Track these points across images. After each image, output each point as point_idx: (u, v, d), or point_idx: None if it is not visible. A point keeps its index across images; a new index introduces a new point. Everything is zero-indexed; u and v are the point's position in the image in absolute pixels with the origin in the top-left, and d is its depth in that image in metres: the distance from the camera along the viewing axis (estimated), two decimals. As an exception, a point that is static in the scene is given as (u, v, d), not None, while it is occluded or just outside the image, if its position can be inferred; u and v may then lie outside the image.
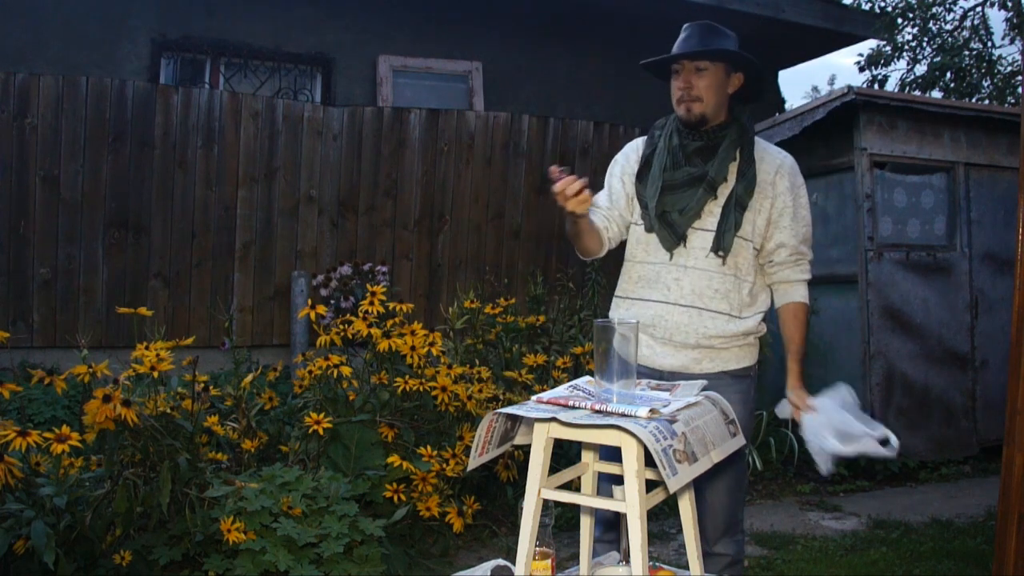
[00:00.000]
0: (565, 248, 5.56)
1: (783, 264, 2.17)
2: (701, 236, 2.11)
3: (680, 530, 1.51)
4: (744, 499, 2.32)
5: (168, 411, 2.70)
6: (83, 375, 2.60)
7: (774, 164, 2.14)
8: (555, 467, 1.50)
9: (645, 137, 2.25)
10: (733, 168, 2.11)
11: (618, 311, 2.24)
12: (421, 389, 3.19)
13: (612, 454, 1.44)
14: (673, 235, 2.11)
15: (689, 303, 2.10)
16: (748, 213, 2.10)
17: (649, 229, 2.16)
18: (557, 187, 1.87)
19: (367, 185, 5.27)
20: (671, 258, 2.12)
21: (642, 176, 2.18)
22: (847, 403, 2.01)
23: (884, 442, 1.93)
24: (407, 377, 3.17)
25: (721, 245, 2.08)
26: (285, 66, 6.06)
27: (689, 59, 2.08)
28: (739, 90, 2.14)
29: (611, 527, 2.07)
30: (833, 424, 1.96)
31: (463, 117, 5.52)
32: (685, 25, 2.16)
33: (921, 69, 9.83)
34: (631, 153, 2.26)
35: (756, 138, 2.17)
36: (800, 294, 2.20)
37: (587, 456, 1.60)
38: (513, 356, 4.05)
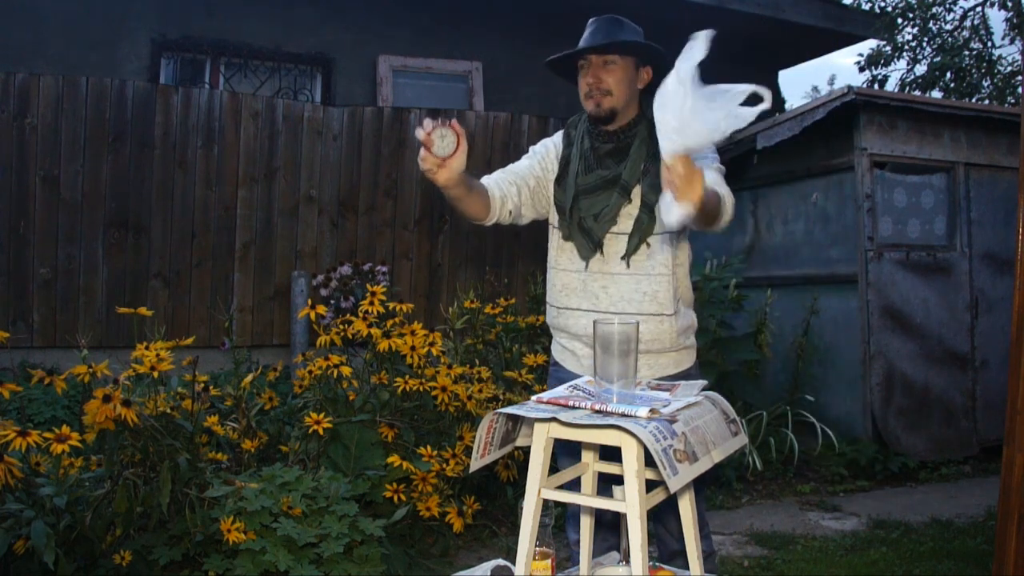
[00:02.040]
0: (565, 248, 5.56)
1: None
2: (619, 241, 2.04)
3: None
4: (704, 495, 2.37)
5: (168, 411, 2.70)
6: (83, 375, 2.60)
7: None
8: (555, 467, 1.50)
9: (563, 134, 2.17)
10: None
11: (556, 320, 2.17)
12: (421, 389, 3.19)
13: (612, 454, 1.44)
14: (590, 242, 2.04)
15: (619, 310, 2.03)
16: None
17: (567, 237, 2.09)
18: (420, 135, 1.70)
19: (367, 185, 5.27)
20: (586, 267, 2.06)
21: (560, 180, 2.12)
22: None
23: (753, 98, 1.47)
24: (407, 377, 3.17)
25: (628, 251, 2.02)
26: (285, 66, 6.06)
27: (597, 53, 2.02)
28: (649, 84, 2.07)
29: (604, 527, 2.06)
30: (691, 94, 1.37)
31: (463, 117, 5.51)
32: (590, 20, 2.09)
33: (921, 69, 9.84)
34: (552, 149, 2.17)
35: None
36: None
37: (587, 456, 1.60)
38: (513, 356, 4.05)
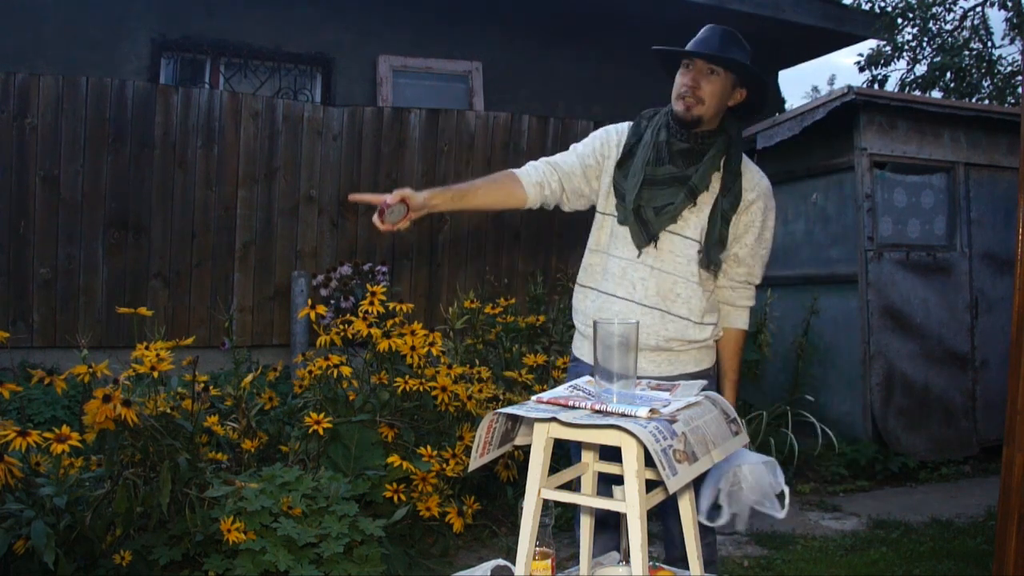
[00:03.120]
0: (565, 248, 5.57)
1: (734, 283, 2.15)
2: (673, 240, 2.08)
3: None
4: None
5: (168, 411, 2.70)
6: (83, 375, 2.60)
7: (753, 182, 2.11)
8: (555, 467, 1.50)
9: (630, 124, 2.20)
10: (716, 179, 2.08)
11: (585, 302, 2.20)
12: (421, 389, 3.19)
13: (612, 454, 1.44)
14: (645, 233, 2.07)
15: (653, 304, 2.07)
16: (735, 228, 2.10)
17: (622, 222, 2.11)
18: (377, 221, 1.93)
19: (367, 185, 5.27)
20: (639, 255, 2.09)
21: (623, 166, 2.14)
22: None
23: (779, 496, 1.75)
24: (407, 377, 3.17)
25: (711, 260, 2.07)
26: (285, 66, 6.06)
27: (706, 60, 2.04)
28: (738, 104, 2.12)
29: (605, 526, 2.06)
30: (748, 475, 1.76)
31: (463, 117, 5.52)
32: (709, 25, 2.12)
33: (921, 69, 9.82)
34: (613, 136, 2.20)
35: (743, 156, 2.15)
36: (743, 321, 2.19)
37: (587, 456, 1.60)
38: (513, 356, 4.05)
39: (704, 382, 1.70)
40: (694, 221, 2.08)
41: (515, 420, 1.51)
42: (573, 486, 1.59)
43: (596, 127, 6.11)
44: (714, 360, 2.20)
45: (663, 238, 2.08)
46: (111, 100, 4.74)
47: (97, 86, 4.72)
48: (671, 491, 1.30)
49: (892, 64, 9.68)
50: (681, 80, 2.06)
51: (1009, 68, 9.79)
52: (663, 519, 2.18)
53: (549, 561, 1.50)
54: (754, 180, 2.13)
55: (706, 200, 2.08)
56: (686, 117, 2.05)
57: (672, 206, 2.05)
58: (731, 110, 2.12)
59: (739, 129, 2.15)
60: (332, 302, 4.73)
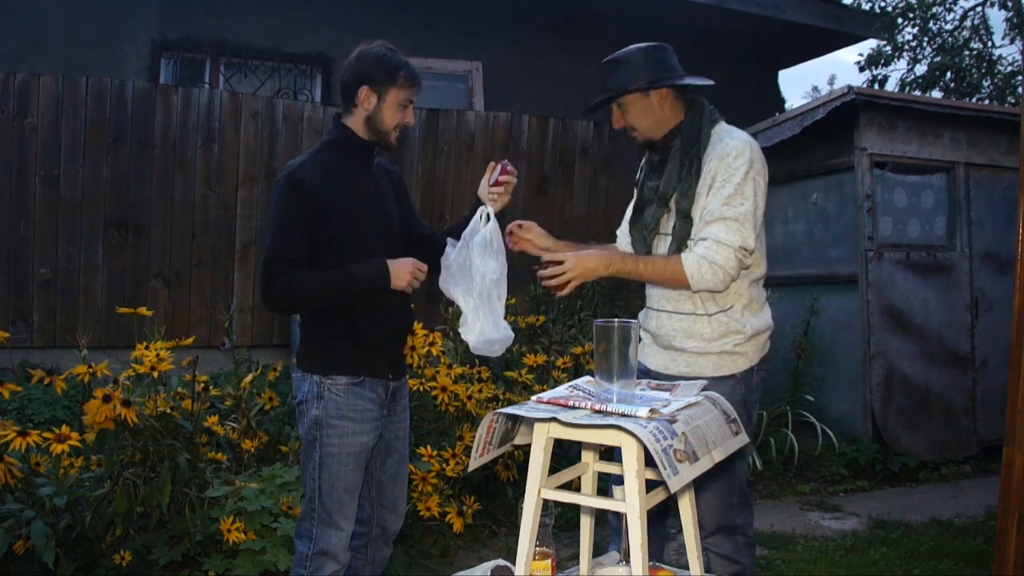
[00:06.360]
0: (565, 248, 5.55)
1: (700, 234, 2.05)
2: (663, 241, 2.17)
3: (680, 530, 1.51)
4: (738, 502, 2.14)
5: (168, 411, 2.70)
6: (83, 375, 2.60)
7: (716, 150, 2.07)
8: (555, 467, 1.50)
9: None
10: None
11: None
12: (421, 389, 3.19)
13: (614, 454, 1.44)
14: (644, 246, 2.22)
15: (660, 307, 2.19)
16: (695, 207, 2.07)
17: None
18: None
19: (367, 185, 5.27)
20: None
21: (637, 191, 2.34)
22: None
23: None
24: (407, 377, 3.16)
25: (668, 253, 2.12)
26: (285, 66, 6.06)
27: (600, 107, 2.21)
28: (680, 93, 2.16)
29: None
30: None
31: (463, 117, 5.51)
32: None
33: (921, 69, 9.83)
34: None
35: (721, 129, 2.12)
36: (685, 255, 2.04)
37: (587, 456, 1.60)
38: (513, 356, 4.05)
39: (704, 382, 1.70)
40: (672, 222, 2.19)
41: (515, 420, 1.51)
42: (573, 486, 1.59)
43: (596, 127, 6.07)
44: (739, 371, 2.11)
45: (656, 243, 2.19)
46: (111, 100, 4.74)
47: (97, 86, 4.72)
48: (672, 490, 1.30)
49: (892, 64, 9.69)
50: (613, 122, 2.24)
51: (1009, 68, 9.80)
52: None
53: (549, 561, 1.50)
54: (719, 146, 2.08)
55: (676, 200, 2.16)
56: (639, 146, 2.24)
57: (650, 218, 2.20)
58: (689, 100, 2.18)
59: (694, 119, 2.13)
60: (332, 302, 4.72)
